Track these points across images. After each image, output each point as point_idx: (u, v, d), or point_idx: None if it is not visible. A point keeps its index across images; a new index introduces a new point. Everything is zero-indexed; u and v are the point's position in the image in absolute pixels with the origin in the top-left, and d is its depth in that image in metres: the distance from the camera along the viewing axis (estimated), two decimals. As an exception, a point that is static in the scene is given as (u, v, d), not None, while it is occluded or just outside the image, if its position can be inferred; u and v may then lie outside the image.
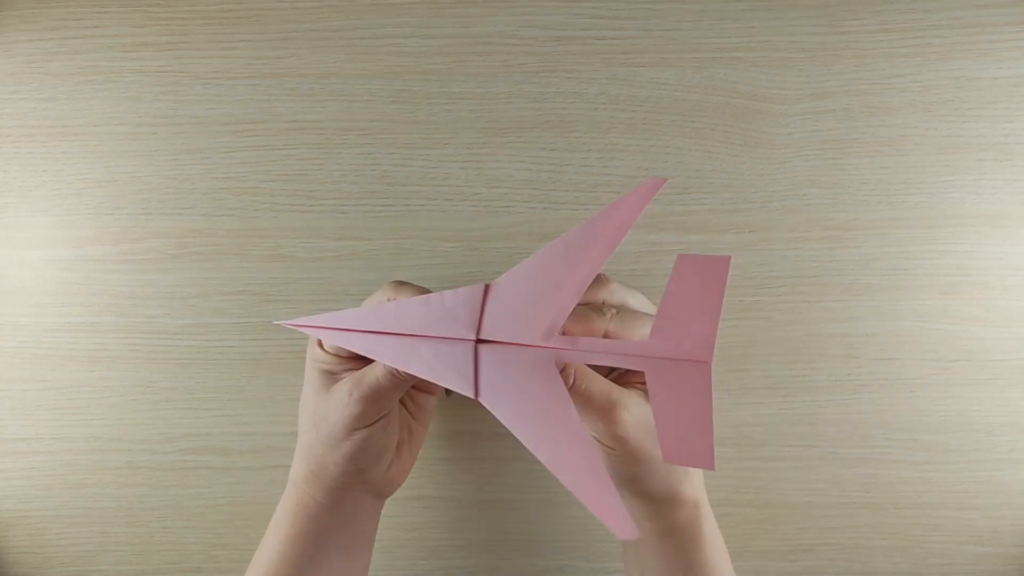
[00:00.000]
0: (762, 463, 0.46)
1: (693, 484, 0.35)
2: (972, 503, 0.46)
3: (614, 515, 0.25)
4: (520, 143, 0.46)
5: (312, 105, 0.46)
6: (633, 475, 0.33)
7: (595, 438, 0.32)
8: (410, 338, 0.30)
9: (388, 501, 0.47)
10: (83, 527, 0.47)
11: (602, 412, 0.31)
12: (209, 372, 0.47)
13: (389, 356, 0.31)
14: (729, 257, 0.26)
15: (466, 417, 0.47)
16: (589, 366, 0.31)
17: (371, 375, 0.33)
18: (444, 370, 0.29)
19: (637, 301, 0.34)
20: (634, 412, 0.31)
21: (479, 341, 0.29)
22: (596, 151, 0.46)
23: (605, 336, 0.31)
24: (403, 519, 0.47)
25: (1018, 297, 0.46)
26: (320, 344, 0.35)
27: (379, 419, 0.34)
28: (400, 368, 0.30)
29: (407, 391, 0.39)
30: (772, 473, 0.46)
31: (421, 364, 0.30)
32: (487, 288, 0.30)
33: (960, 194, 0.46)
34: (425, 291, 0.33)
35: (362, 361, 0.34)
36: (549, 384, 0.28)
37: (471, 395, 0.29)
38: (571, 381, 0.30)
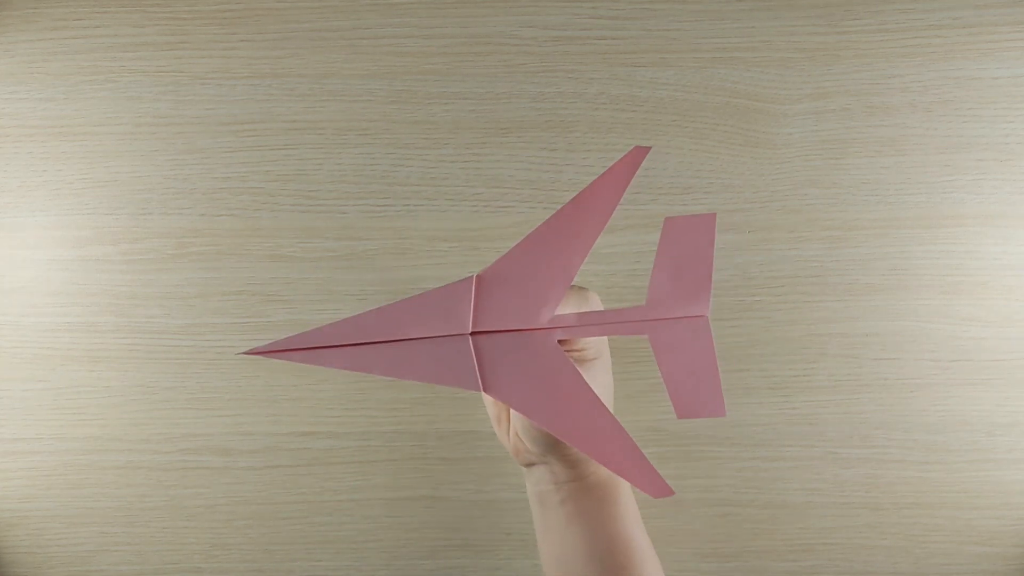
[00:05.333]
0: (762, 463, 0.46)
1: None
2: (972, 503, 0.46)
3: (646, 478, 0.26)
4: (520, 143, 0.46)
5: (312, 105, 0.46)
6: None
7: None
8: (402, 343, 0.29)
9: (388, 501, 0.47)
10: (83, 527, 0.47)
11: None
12: (209, 372, 0.47)
13: (380, 367, 0.29)
14: (715, 214, 0.27)
15: (465, 417, 0.47)
16: None
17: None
18: (444, 371, 0.28)
19: None
20: None
21: (475, 333, 0.29)
22: (596, 151, 0.46)
23: None
24: (403, 519, 0.47)
25: (1018, 297, 0.46)
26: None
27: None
28: (397, 377, 0.29)
29: None
30: (772, 473, 0.46)
31: (418, 370, 0.28)
32: (477, 279, 0.29)
33: (960, 194, 0.46)
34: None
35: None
36: (556, 363, 0.28)
37: (478, 390, 0.28)
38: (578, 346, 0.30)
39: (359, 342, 0.29)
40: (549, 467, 0.36)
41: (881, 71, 0.46)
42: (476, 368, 0.28)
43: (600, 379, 0.35)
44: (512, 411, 0.36)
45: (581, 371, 0.33)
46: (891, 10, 0.46)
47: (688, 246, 0.27)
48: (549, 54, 0.46)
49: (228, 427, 0.47)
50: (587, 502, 0.36)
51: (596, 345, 0.34)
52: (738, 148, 0.46)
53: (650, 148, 0.30)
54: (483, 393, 0.37)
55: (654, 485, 0.26)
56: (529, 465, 0.38)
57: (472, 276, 0.29)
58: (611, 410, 0.36)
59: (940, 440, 0.46)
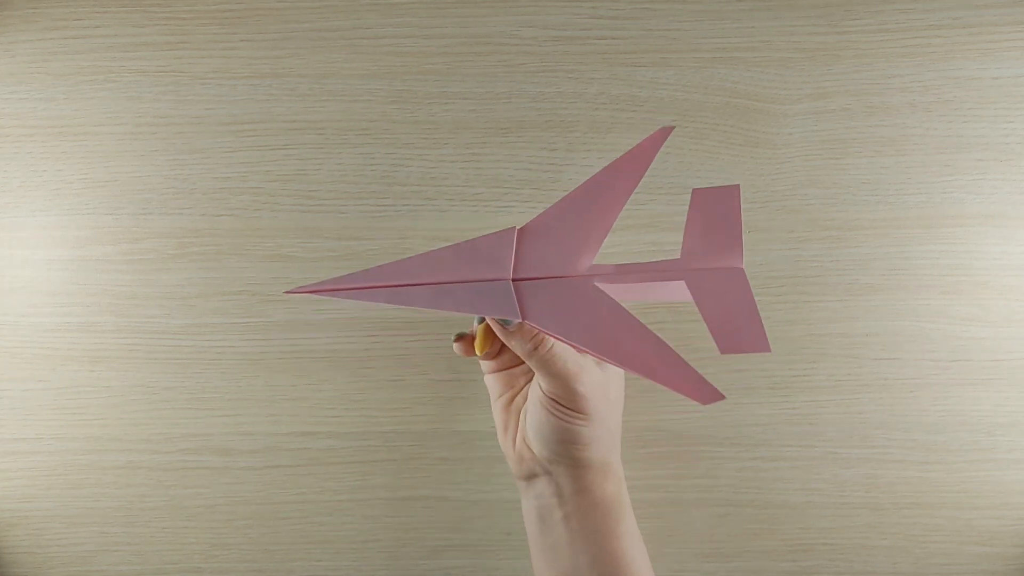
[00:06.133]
0: (762, 463, 0.46)
1: (618, 457, 0.38)
2: (972, 503, 0.46)
3: (692, 384, 0.27)
4: (520, 143, 0.46)
5: (312, 105, 0.46)
6: (580, 436, 0.34)
7: (551, 399, 0.34)
8: (443, 285, 0.30)
9: (388, 501, 0.47)
10: (83, 527, 0.47)
11: (565, 374, 0.33)
12: (209, 372, 0.47)
13: (421, 301, 0.30)
14: (738, 185, 0.29)
15: (465, 417, 0.47)
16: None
17: None
18: (483, 303, 0.30)
19: None
20: (592, 374, 0.33)
21: (515, 280, 0.29)
22: (596, 151, 0.46)
23: None
24: (403, 519, 0.47)
25: (1018, 297, 0.46)
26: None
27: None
28: (436, 308, 0.30)
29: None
30: (772, 473, 0.46)
31: (456, 302, 0.30)
32: (519, 231, 0.31)
33: (960, 194, 0.46)
34: None
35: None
36: (595, 299, 0.29)
37: (517, 318, 0.29)
38: (542, 347, 0.32)
39: (401, 284, 0.30)
40: (552, 478, 0.36)
41: (881, 71, 0.46)
42: (515, 302, 0.29)
43: (614, 380, 0.36)
44: (523, 413, 0.36)
45: (598, 364, 0.33)
46: (891, 10, 0.46)
47: (716, 213, 0.29)
48: (549, 54, 0.46)
49: (228, 427, 0.47)
50: (592, 520, 0.36)
51: None
52: (738, 148, 0.46)
53: (673, 127, 0.31)
54: (492, 408, 0.37)
55: (703, 392, 0.27)
56: (530, 478, 0.37)
57: (514, 228, 0.30)
58: (620, 412, 0.36)
59: (940, 440, 0.46)
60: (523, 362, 0.38)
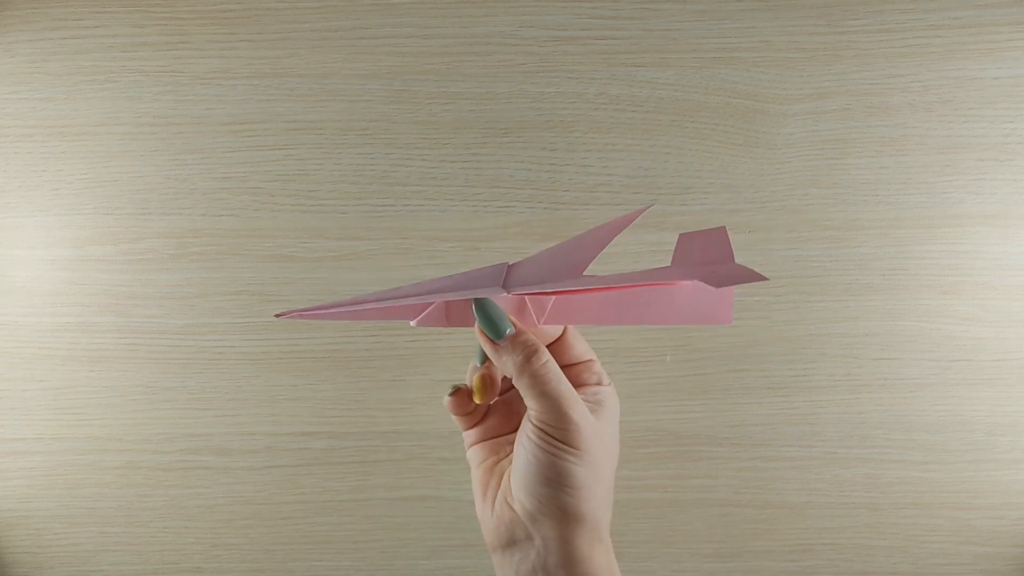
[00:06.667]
0: (762, 463, 0.46)
1: (607, 522, 0.34)
2: (972, 503, 0.46)
3: (678, 275, 0.27)
4: (520, 143, 0.46)
5: (312, 105, 0.46)
6: (571, 476, 0.31)
7: (540, 429, 0.31)
8: (433, 295, 0.31)
9: (388, 501, 0.47)
10: (83, 527, 0.47)
11: (557, 395, 0.31)
12: (209, 372, 0.47)
13: (409, 300, 0.30)
14: (724, 227, 0.29)
15: (466, 417, 0.47)
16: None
17: None
18: (472, 290, 0.30)
19: None
20: (586, 408, 0.32)
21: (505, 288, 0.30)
22: (596, 151, 0.46)
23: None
24: (403, 519, 0.47)
25: (1018, 297, 0.46)
26: None
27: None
28: (425, 300, 0.30)
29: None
30: (772, 473, 0.46)
31: (443, 296, 0.30)
32: (508, 266, 0.31)
33: (960, 194, 0.46)
34: None
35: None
36: (581, 277, 0.30)
37: (505, 292, 0.30)
38: (536, 358, 0.31)
39: (390, 303, 0.31)
40: (535, 545, 0.32)
41: (881, 71, 0.46)
42: (503, 277, 0.30)
43: (609, 429, 0.33)
44: (506, 475, 0.34)
45: (592, 412, 0.33)
46: (891, 10, 0.46)
47: (704, 251, 0.29)
48: (549, 54, 0.46)
49: (228, 427, 0.47)
50: None
51: (607, 400, 0.34)
52: (738, 148, 0.46)
53: (654, 204, 0.31)
54: (472, 476, 0.36)
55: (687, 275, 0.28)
56: (508, 545, 0.33)
57: (505, 263, 0.31)
58: (614, 469, 0.34)
59: (940, 440, 0.46)
60: (509, 431, 0.36)
